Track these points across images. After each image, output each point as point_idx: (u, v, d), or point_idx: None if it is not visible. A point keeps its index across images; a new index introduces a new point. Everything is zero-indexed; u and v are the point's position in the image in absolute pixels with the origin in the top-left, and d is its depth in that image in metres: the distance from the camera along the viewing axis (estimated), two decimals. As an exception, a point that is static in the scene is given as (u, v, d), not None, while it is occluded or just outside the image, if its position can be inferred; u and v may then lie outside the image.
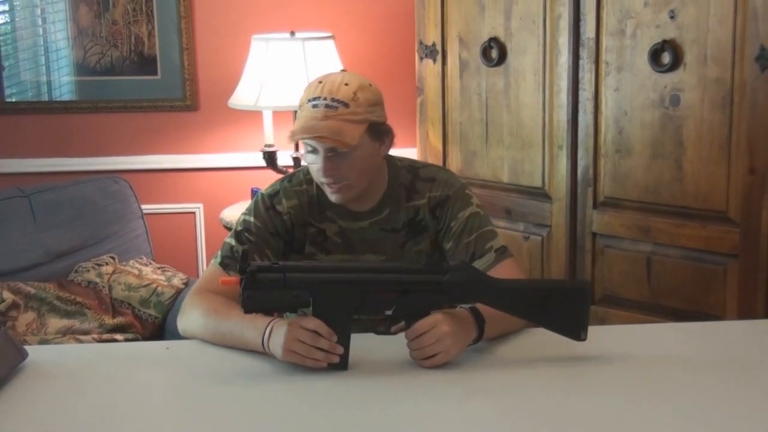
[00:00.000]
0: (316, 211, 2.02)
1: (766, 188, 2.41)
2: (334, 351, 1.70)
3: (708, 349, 1.86)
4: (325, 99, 1.87)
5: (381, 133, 1.94)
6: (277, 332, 1.73)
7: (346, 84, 1.88)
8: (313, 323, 1.69)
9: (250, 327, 1.78)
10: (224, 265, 1.97)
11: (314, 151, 1.90)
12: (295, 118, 1.98)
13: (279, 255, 1.99)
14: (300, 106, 1.92)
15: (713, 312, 2.56)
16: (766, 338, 1.93)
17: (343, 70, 1.98)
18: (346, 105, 1.86)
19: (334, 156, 1.89)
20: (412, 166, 2.07)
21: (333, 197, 1.95)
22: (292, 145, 3.36)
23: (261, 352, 1.76)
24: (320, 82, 1.91)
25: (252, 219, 2.00)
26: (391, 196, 2.02)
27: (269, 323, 1.76)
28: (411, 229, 2.03)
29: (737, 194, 2.47)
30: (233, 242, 1.99)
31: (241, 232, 1.99)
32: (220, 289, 1.88)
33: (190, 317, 1.92)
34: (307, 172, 2.05)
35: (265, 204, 2.01)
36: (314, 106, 1.87)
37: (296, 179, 2.04)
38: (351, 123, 1.86)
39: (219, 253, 2.00)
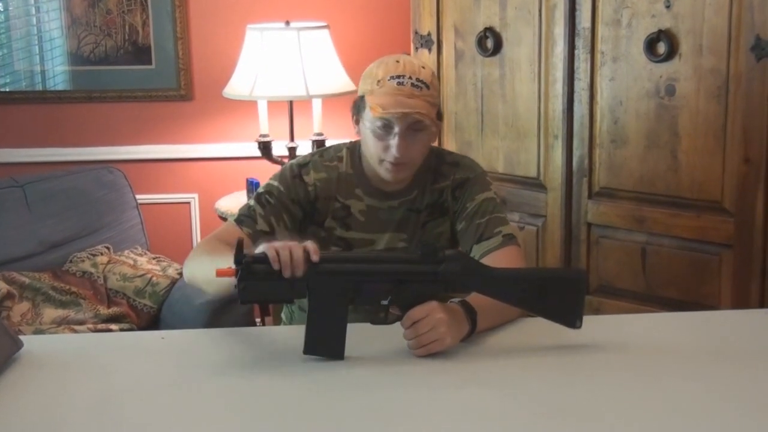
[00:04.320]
0: (344, 187, 2.05)
1: (760, 178, 2.42)
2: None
3: (703, 338, 1.87)
4: (410, 78, 1.92)
5: (440, 120, 2.02)
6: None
7: (423, 67, 1.95)
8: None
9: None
10: (239, 221, 1.99)
11: (387, 127, 1.92)
12: (361, 98, 1.98)
13: (296, 223, 2.01)
14: (376, 81, 1.93)
15: (708, 302, 2.56)
16: (760, 327, 1.93)
17: (405, 53, 2.01)
18: (428, 87, 1.93)
19: (409, 135, 1.92)
20: (440, 152, 2.13)
21: (390, 175, 1.97)
22: (288, 135, 3.36)
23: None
24: (397, 61, 1.95)
25: (276, 183, 2.03)
26: (420, 178, 2.06)
27: None
28: (433, 210, 2.07)
29: (732, 184, 2.47)
30: (252, 203, 2.02)
31: (262, 194, 2.02)
32: (230, 241, 1.86)
33: (192, 261, 1.93)
34: (338, 149, 2.09)
35: (293, 172, 2.04)
36: (399, 83, 1.91)
37: (327, 155, 2.08)
38: (431, 105, 1.93)
39: (238, 211, 2.03)
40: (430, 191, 2.06)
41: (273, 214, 1.98)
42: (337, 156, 2.07)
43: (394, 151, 1.92)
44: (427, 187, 2.06)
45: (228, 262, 1.71)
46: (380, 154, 1.95)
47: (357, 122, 2.02)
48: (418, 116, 1.90)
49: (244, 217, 1.99)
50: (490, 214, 2.02)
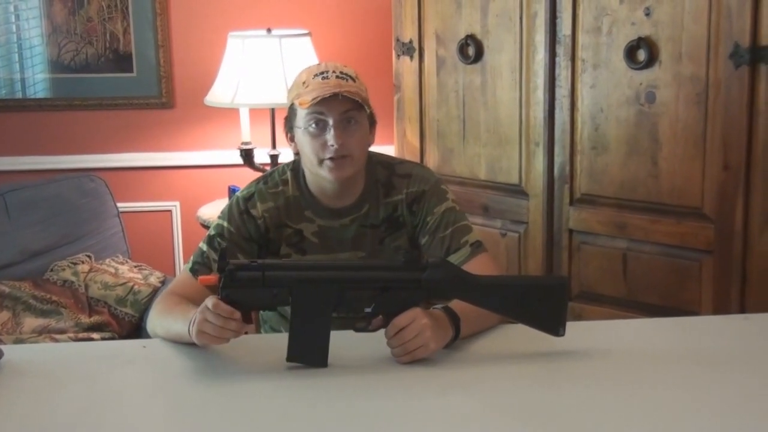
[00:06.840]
0: (293, 211, 2.02)
1: (740, 184, 2.43)
2: (240, 331, 1.69)
3: (683, 343, 1.88)
4: (334, 72, 1.92)
5: (372, 121, 2.00)
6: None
7: (346, 66, 1.96)
8: (212, 303, 1.66)
9: (181, 319, 1.78)
10: (193, 270, 1.98)
11: (320, 122, 1.90)
12: (290, 108, 2.00)
13: (252, 258, 1.98)
14: (302, 83, 1.93)
15: (689, 307, 2.58)
16: (740, 333, 1.94)
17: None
18: (353, 79, 1.93)
19: (343, 125, 1.90)
20: (389, 163, 2.08)
21: (332, 174, 1.92)
22: (269, 143, 3.36)
23: (194, 344, 1.75)
24: (319, 64, 1.97)
25: (225, 224, 2.00)
26: (370, 192, 2.02)
27: (196, 313, 1.74)
28: (390, 225, 2.03)
29: (712, 190, 2.49)
30: (205, 247, 1.99)
31: (214, 237, 2.00)
32: (186, 292, 1.91)
33: (151, 319, 1.94)
34: (282, 172, 2.05)
35: (240, 208, 2.01)
36: (324, 77, 1.91)
37: (272, 181, 2.04)
38: (360, 95, 1.92)
39: (192, 257, 2.01)
40: (383, 205, 2.03)
41: (228, 257, 1.93)
42: (282, 179, 2.03)
43: (331, 142, 1.90)
44: (380, 201, 2.03)
45: (180, 324, 1.77)
46: (319, 154, 1.92)
47: (292, 138, 1.99)
48: (347, 94, 1.87)
49: (198, 266, 1.97)
50: (452, 225, 2.00)
